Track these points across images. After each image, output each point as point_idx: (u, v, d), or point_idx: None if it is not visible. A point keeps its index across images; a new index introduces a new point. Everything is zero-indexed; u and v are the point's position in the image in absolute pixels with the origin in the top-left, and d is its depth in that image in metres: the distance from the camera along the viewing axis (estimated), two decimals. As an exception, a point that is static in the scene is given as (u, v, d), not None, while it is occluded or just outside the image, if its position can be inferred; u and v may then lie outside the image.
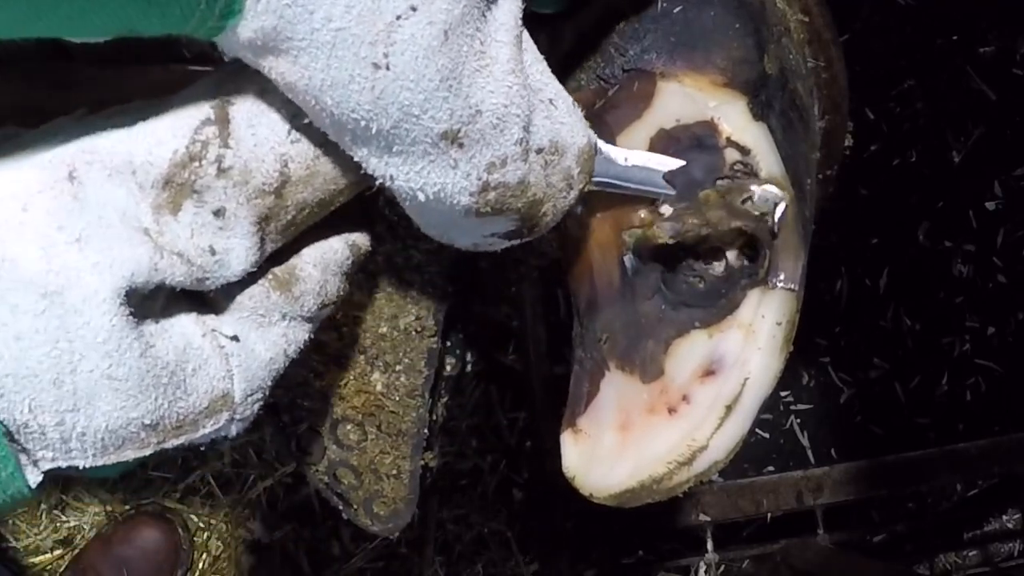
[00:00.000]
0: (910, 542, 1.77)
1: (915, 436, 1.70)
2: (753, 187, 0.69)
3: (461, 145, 0.49)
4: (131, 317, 0.47)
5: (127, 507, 1.77)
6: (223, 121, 0.49)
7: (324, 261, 0.57)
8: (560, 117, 0.55)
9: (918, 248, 1.71)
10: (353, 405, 0.84)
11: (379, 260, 0.80)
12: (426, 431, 0.84)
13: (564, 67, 0.73)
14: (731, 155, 0.70)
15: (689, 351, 0.71)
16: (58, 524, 1.79)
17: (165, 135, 0.49)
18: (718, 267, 0.70)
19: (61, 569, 1.74)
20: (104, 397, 0.46)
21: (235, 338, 0.53)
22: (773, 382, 0.68)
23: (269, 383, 0.55)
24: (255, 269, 0.52)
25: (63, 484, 1.78)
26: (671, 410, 0.69)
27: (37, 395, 0.45)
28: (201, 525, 1.79)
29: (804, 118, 0.76)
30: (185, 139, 0.49)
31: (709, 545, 1.62)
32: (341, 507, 0.87)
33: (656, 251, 0.72)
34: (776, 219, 0.68)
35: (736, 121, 0.71)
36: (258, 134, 0.50)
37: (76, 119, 0.50)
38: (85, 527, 1.78)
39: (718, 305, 0.70)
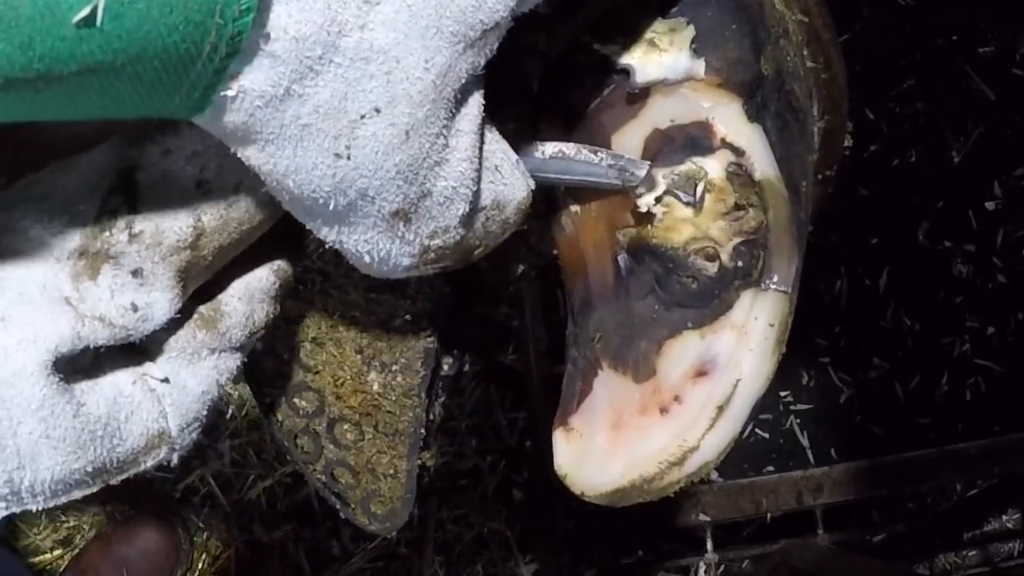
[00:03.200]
0: (910, 542, 1.77)
1: (915, 436, 1.70)
2: (689, 161, 0.69)
3: (409, 221, 0.52)
4: (61, 383, 0.48)
5: (127, 507, 1.78)
6: (129, 188, 0.51)
7: (249, 291, 0.59)
8: (504, 179, 0.57)
9: (918, 248, 1.71)
10: (350, 405, 0.84)
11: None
12: (423, 431, 0.84)
13: (561, 67, 0.73)
14: (725, 156, 0.70)
15: (681, 352, 0.71)
16: (58, 524, 1.79)
17: (74, 208, 0.50)
18: (711, 268, 0.70)
19: (61, 569, 1.74)
20: (45, 454, 0.48)
21: (166, 380, 0.54)
22: (765, 384, 0.68)
23: (204, 413, 0.57)
24: (179, 315, 0.54)
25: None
26: (663, 410, 0.69)
27: None
28: (201, 525, 1.79)
29: (800, 120, 0.76)
30: (94, 210, 0.50)
31: (709, 545, 1.62)
32: (339, 506, 0.87)
33: (650, 250, 0.72)
34: (696, 197, 0.69)
35: (731, 122, 0.71)
36: (166, 194, 0.52)
37: None
38: (85, 527, 1.78)
39: (711, 306, 0.70)
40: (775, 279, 0.68)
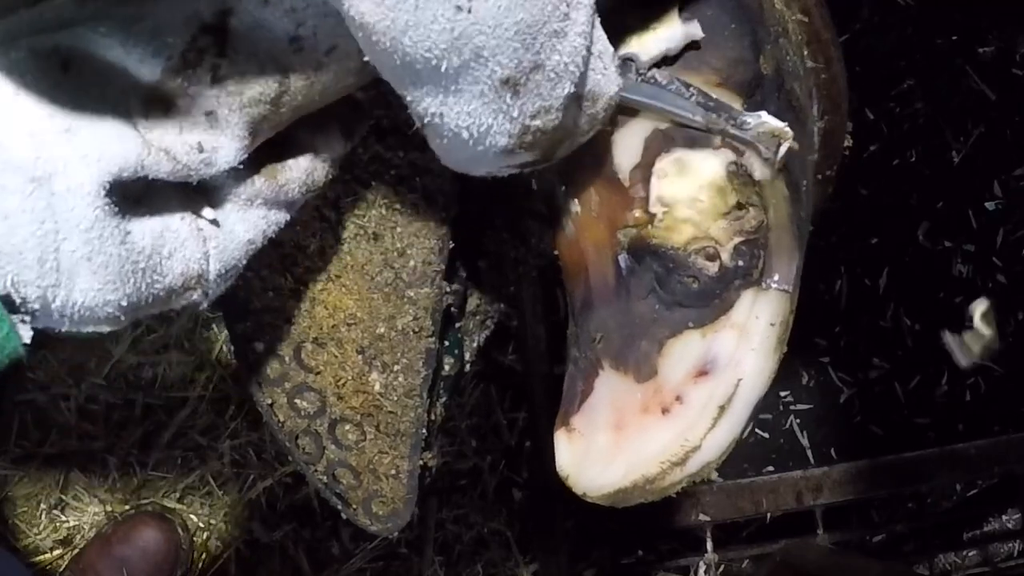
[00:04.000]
0: (910, 542, 1.76)
1: (915, 436, 1.70)
2: (749, 118, 0.69)
3: (517, 93, 0.50)
4: (113, 206, 0.48)
5: (127, 507, 1.77)
6: (221, 31, 0.49)
7: (314, 149, 0.58)
8: (604, 68, 0.56)
9: (918, 248, 1.71)
10: (351, 405, 0.84)
11: (377, 261, 0.80)
12: (424, 431, 0.84)
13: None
14: (725, 155, 0.70)
15: (683, 351, 0.71)
16: (57, 524, 1.79)
17: (162, 39, 0.49)
18: (712, 267, 0.70)
19: (61, 569, 1.74)
20: (83, 276, 0.48)
21: (215, 221, 0.54)
22: (767, 383, 0.68)
23: (244, 262, 0.57)
24: (241, 166, 0.53)
25: (63, 484, 1.78)
26: (664, 410, 0.69)
27: (21, 272, 0.46)
28: (201, 525, 1.79)
29: (800, 119, 0.76)
30: (181, 46, 0.49)
31: (709, 545, 1.61)
32: (340, 507, 0.87)
33: (651, 250, 0.72)
34: (778, 157, 0.68)
35: (732, 121, 0.71)
36: (257, 46, 0.50)
37: (77, 2, 0.50)
38: (85, 527, 1.78)
39: (712, 305, 0.70)
40: (776, 278, 0.69)
